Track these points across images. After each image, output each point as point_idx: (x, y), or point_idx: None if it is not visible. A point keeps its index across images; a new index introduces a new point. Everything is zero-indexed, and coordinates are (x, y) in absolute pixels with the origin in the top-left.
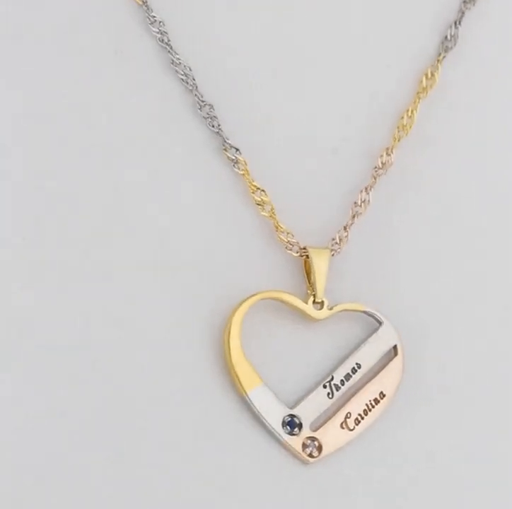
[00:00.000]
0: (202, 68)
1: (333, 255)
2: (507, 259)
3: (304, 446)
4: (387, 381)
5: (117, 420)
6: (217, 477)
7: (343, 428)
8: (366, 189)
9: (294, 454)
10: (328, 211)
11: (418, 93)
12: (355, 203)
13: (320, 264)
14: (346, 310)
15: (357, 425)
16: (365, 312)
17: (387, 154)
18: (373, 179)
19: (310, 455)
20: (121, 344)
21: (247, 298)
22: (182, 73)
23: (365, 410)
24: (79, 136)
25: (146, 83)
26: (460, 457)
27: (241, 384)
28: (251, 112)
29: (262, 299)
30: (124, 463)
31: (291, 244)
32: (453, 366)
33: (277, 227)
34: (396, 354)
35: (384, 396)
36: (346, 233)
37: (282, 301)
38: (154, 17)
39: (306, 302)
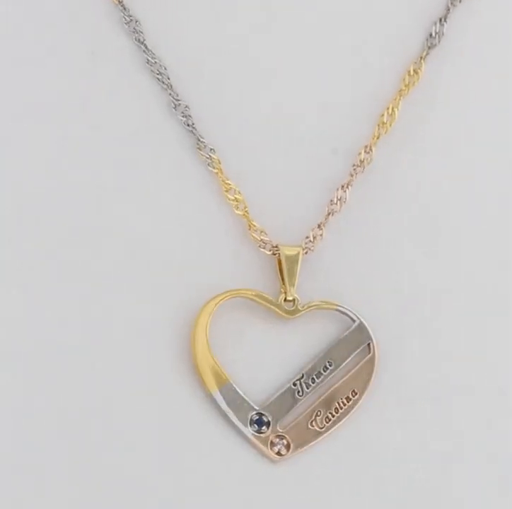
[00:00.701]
0: (178, 67)
1: (306, 253)
2: (484, 257)
3: (272, 444)
4: (359, 379)
5: (82, 420)
6: (184, 476)
7: (312, 426)
8: (343, 187)
9: (262, 453)
10: (305, 209)
11: (400, 91)
12: (331, 201)
13: (291, 262)
14: (318, 308)
15: (327, 423)
16: (338, 310)
17: (366, 152)
18: (350, 177)
19: (278, 453)
20: (90, 344)
21: (215, 297)
22: (157, 72)
23: (336, 408)
24: (53, 136)
25: (122, 82)
26: (431, 456)
27: (207, 383)
28: (227, 111)
29: (231, 297)
30: (89, 461)
31: (264, 243)
32: (428, 365)
33: (250, 226)
34: (369, 352)
35: (356, 394)
36: (320, 231)
37: (252, 299)
38: (130, 16)
39: (278, 300)
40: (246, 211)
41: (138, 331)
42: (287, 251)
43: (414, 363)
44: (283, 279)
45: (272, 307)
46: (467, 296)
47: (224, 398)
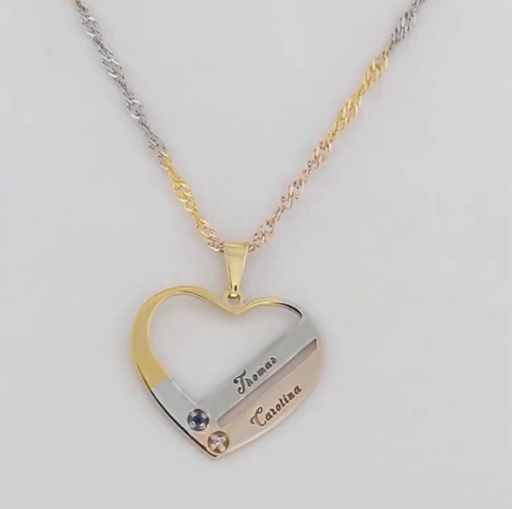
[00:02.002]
0: (135, 67)
1: (253, 250)
2: (433, 255)
3: (210, 441)
4: (303, 376)
5: (21, 415)
6: (121, 472)
7: (253, 423)
8: (295, 183)
9: (200, 450)
10: (258, 206)
11: (362, 86)
12: (283, 197)
13: (236, 258)
14: (263, 304)
15: (268, 420)
16: (284, 306)
17: (321, 148)
18: (303, 174)
19: (217, 450)
20: (32, 338)
21: (157, 294)
22: (113, 71)
23: (278, 405)
24: (6, 133)
25: (78, 82)
26: (375, 454)
27: (145, 380)
28: (181, 109)
29: (174, 295)
30: (26, 457)
31: (212, 240)
32: (376, 362)
33: (199, 224)
34: (315, 349)
35: (299, 390)
36: (270, 228)
37: (196, 296)
38: (87, 16)
39: (222, 298)
40: (195, 209)
41: (82, 326)
42: (232, 248)
43: (362, 359)
44: (229, 276)
45: (216, 304)
46: (417, 293)
47: (162, 394)
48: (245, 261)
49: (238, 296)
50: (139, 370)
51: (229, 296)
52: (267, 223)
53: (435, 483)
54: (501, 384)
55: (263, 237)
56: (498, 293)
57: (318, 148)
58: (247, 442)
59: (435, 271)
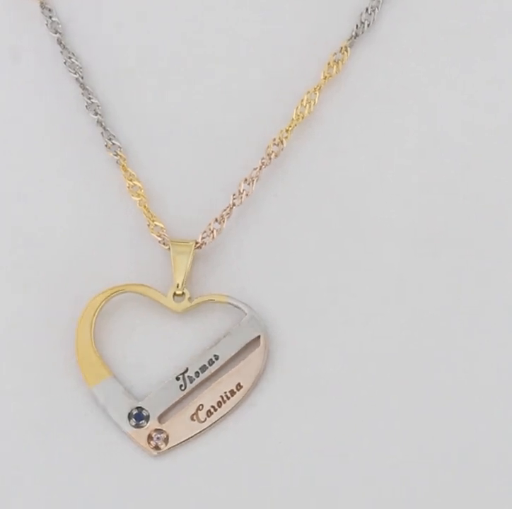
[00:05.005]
0: (96, 68)
1: (200, 247)
2: (382, 253)
3: (150, 438)
4: (246, 372)
5: None
6: (60, 470)
7: (193, 420)
8: (246, 180)
9: (140, 447)
10: (210, 203)
11: (319, 82)
12: (233, 194)
13: (182, 256)
14: (208, 302)
15: (209, 416)
16: (228, 303)
17: (275, 144)
18: (254, 170)
19: (156, 447)
20: None
21: (102, 292)
22: (73, 72)
23: (219, 402)
24: None
25: (40, 82)
26: (319, 451)
27: (86, 377)
28: (138, 108)
29: (118, 293)
30: None
31: (162, 238)
32: (320, 359)
33: (150, 222)
34: (259, 345)
35: (241, 387)
36: (219, 225)
37: (140, 294)
38: (51, 17)
39: (167, 295)
40: (146, 207)
41: (28, 324)
42: (178, 246)
43: (307, 357)
44: (174, 274)
45: (160, 301)
46: (363, 291)
47: (103, 392)
48: (191, 258)
49: (183, 293)
50: (81, 368)
51: (174, 294)
52: (216, 220)
53: (382, 480)
54: (445, 377)
55: (212, 235)
56: (443, 289)
57: (271, 145)
58: (187, 439)
59: (381, 269)
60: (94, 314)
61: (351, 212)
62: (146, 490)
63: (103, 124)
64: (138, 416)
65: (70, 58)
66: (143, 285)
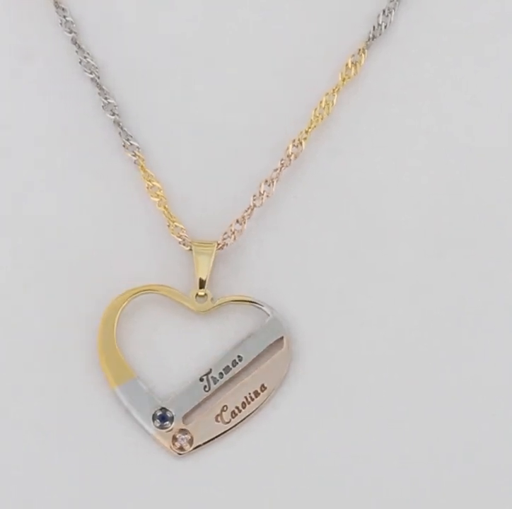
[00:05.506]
0: (112, 67)
1: (221, 248)
2: (404, 255)
3: (174, 439)
4: (269, 373)
5: None
6: (85, 471)
7: (218, 421)
8: (267, 181)
9: (164, 448)
10: (231, 204)
11: (337, 83)
12: (254, 195)
13: (204, 257)
14: (231, 302)
15: (233, 418)
16: (251, 304)
17: (294, 145)
18: (275, 172)
19: (181, 448)
20: (1, 338)
21: (124, 293)
22: (89, 72)
23: (243, 403)
24: None
25: (55, 82)
26: (342, 454)
27: (109, 379)
28: (156, 108)
29: (140, 293)
30: None
31: (182, 239)
32: (342, 360)
33: (170, 223)
34: (282, 347)
35: (265, 388)
36: (240, 226)
37: (162, 294)
38: (65, 17)
39: (189, 296)
40: (166, 208)
41: (49, 324)
42: (200, 247)
43: (329, 357)
44: (196, 275)
45: (183, 302)
46: (385, 293)
47: (127, 393)
48: (213, 259)
49: (206, 294)
50: (104, 369)
51: (197, 295)
52: (237, 221)
53: (405, 481)
54: (471, 379)
55: (233, 236)
56: (467, 293)
57: (291, 146)
58: (212, 440)
59: (406, 270)
60: (116, 315)
61: (368, 214)
62: (169, 491)
63: (121, 124)
64: (163, 417)
65: (85, 57)
66: (165, 286)
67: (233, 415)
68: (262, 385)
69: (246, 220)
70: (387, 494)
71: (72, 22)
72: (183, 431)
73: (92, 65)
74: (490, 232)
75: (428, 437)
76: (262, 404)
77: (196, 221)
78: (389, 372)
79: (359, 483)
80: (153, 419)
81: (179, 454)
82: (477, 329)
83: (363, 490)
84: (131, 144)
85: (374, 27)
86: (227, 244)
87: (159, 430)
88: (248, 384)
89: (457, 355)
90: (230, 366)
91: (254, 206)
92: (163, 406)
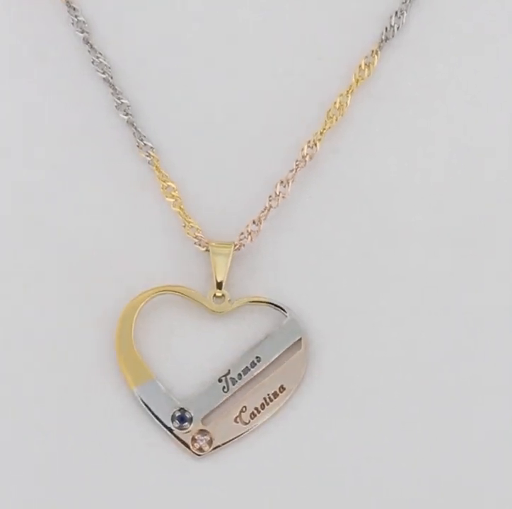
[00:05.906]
0: (124, 67)
1: (238, 249)
2: (421, 256)
3: (194, 440)
4: (288, 375)
5: (4, 414)
6: (105, 471)
7: (237, 422)
8: (282, 182)
9: (183, 449)
10: (247, 205)
11: (350, 85)
12: (270, 196)
13: (221, 258)
14: (249, 303)
15: (252, 419)
16: (269, 305)
17: (309, 146)
18: (290, 173)
19: (200, 449)
20: (17, 336)
21: (141, 294)
22: (102, 71)
23: (262, 404)
24: None
25: (67, 82)
26: (361, 454)
27: (128, 380)
28: (169, 108)
29: (158, 294)
30: (9, 456)
31: (198, 240)
32: (359, 361)
33: (185, 223)
34: (300, 347)
35: (284, 389)
36: (257, 227)
37: (181, 295)
38: (77, 17)
39: (207, 297)
40: (181, 208)
41: (67, 325)
42: (217, 247)
43: (347, 358)
44: (214, 275)
45: (201, 303)
46: (402, 293)
47: (146, 394)
48: (230, 260)
49: (223, 295)
50: (123, 370)
51: (214, 295)
52: (253, 222)
53: (422, 482)
54: (485, 381)
55: (249, 236)
56: (480, 294)
57: (306, 147)
58: (231, 441)
59: (420, 271)
60: (134, 316)
61: (382, 215)
62: (188, 492)
63: (134, 124)
64: (182, 418)
65: (97, 57)
66: (183, 286)
67: (252, 416)
68: (281, 386)
69: (262, 221)
70: (403, 493)
71: (84, 22)
72: (202, 432)
73: (105, 65)
74: (504, 234)
75: (444, 438)
76: (281, 405)
77: (210, 222)
78: (404, 372)
79: (378, 484)
80: (172, 420)
81: (199, 455)
82: (494, 330)
83: (381, 490)
84: (145, 144)
85: (386, 28)
86: (244, 245)
87: (178, 431)
88: (267, 385)
89: (473, 356)
90: (249, 367)
91: (271, 206)
92: (182, 406)
